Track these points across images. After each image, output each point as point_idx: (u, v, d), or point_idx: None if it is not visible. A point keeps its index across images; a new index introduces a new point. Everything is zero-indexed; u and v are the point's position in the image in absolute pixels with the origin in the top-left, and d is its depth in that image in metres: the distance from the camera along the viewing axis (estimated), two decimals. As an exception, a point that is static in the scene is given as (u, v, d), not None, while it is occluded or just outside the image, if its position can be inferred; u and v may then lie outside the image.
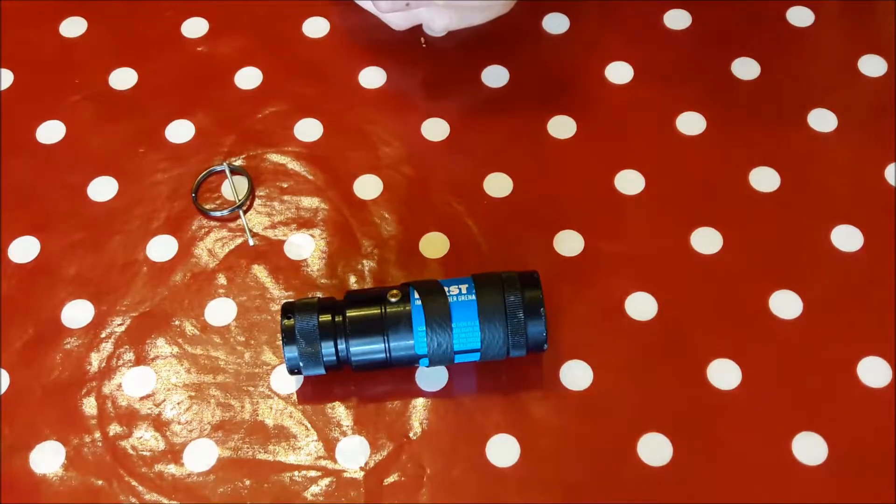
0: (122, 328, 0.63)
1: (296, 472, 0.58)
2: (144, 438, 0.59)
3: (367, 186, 0.68)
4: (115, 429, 0.60)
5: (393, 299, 0.58)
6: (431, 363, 0.58)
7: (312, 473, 0.58)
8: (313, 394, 0.60)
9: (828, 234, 0.65)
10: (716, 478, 0.57)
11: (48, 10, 0.76)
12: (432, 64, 0.73)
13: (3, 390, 0.61)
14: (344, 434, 0.59)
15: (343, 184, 0.68)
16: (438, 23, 0.69)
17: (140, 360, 0.62)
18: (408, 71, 0.73)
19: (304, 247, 0.66)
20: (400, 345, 0.57)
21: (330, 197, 0.67)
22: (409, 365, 0.59)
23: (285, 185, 0.68)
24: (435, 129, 0.70)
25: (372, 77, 0.72)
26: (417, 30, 0.74)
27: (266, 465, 0.58)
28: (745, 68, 0.72)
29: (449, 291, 0.57)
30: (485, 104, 0.71)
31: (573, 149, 0.69)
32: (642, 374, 0.61)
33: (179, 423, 0.60)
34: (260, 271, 0.65)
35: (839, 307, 0.62)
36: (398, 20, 0.70)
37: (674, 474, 0.57)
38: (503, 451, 0.58)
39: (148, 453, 0.59)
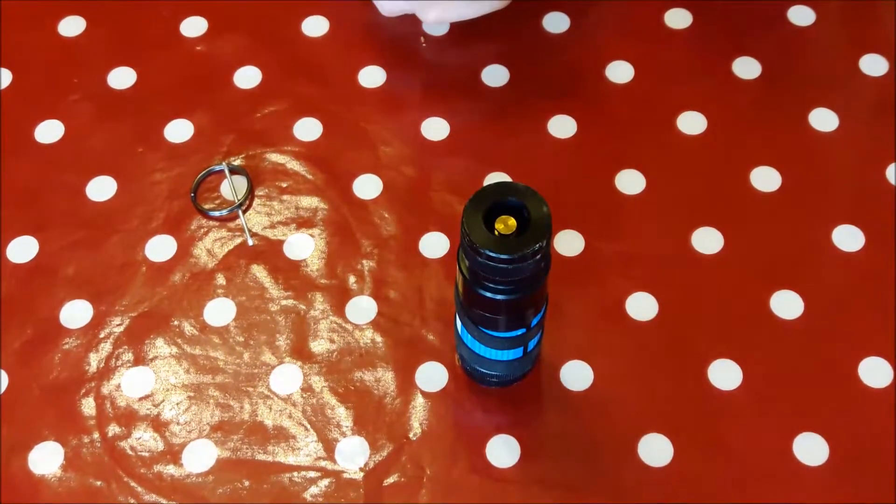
0: (121, 328, 0.63)
1: (295, 473, 0.58)
2: (143, 439, 0.59)
3: (367, 186, 0.68)
4: (113, 429, 0.59)
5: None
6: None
7: (312, 474, 0.58)
8: (313, 394, 0.60)
9: (829, 233, 0.65)
10: (716, 478, 0.57)
11: (47, 10, 0.76)
12: (432, 63, 0.73)
13: (2, 391, 0.61)
14: (343, 434, 0.59)
15: (343, 184, 0.68)
16: (430, 14, 0.69)
17: (139, 360, 0.62)
18: (407, 71, 0.73)
19: (304, 247, 0.65)
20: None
21: (329, 197, 0.67)
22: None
23: (285, 185, 0.68)
24: (435, 129, 0.70)
25: (371, 76, 0.72)
26: (417, 29, 0.73)
27: (265, 466, 0.58)
28: (746, 68, 0.72)
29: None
30: (485, 104, 0.71)
31: (573, 149, 0.69)
32: (642, 375, 0.60)
33: (178, 424, 0.60)
34: (259, 271, 0.65)
35: (840, 307, 0.62)
36: (389, 7, 0.70)
37: (674, 474, 0.57)
38: (503, 451, 0.58)
39: (147, 454, 0.59)
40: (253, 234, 0.66)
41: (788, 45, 0.73)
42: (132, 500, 0.57)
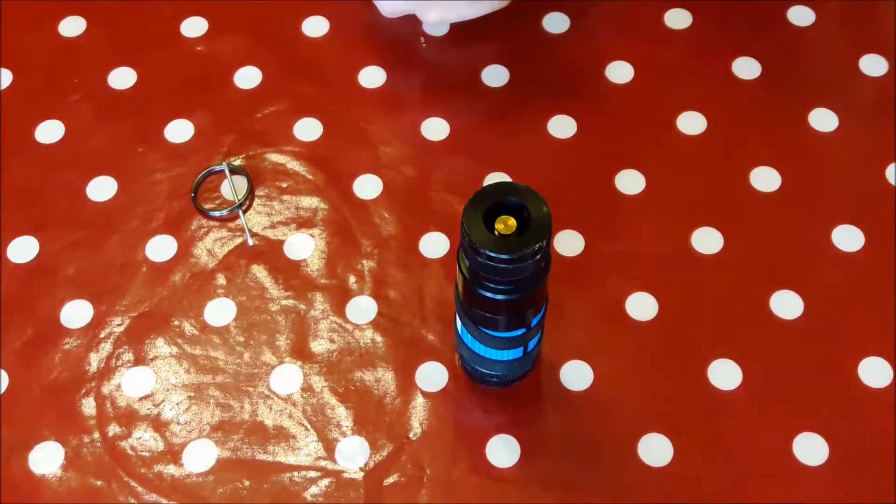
0: (122, 328, 0.63)
1: (295, 473, 0.58)
2: (143, 439, 0.59)
3: (367, 186, 0.68)
4: (114, 429, 0.60)
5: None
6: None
7: (312, 474, 0.58)
8: (313, 394, 0.60)
9: (829, 234, 0.65)
10: (716, 478, 0.57)
11: (47, 10, 0.76)
12: (432, 64, 0.73)
13: (2, 391, 0.61)
14: (343, 434, 0.59)
15: (343, 184, 0.68)
16: (431, 14, 0.69)
17: (139, 360, 0.62)
18: (407, 71, 0.73)
19: (304, 247, 0.65)
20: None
21: (330, 197, 0.67)
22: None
23: (285, 185, 0.68)
24: (435, 129, 0.70)
25: (372, 76, 0.72)
26: (417, 30, 0.73)
27: (265, 466, 0.58)
28: (746, 68, 0.72)
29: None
30: (485, 104, 0.71)
31: (573, 149, 0.69)
32: (642, 375, 0.60)
33: (178, 424, 0.60)
34: (259, 271, 0.65)
35: (840, 307, 0.62)
36: (390, 7, 0.70)
37: (674, 474, 0.57)
38: (503, 451, 0.58)
39: (147, 454, 0.59)
40: (253, 234, 0.66)
41: (788, 45, 0.73)
42: (132, 500, 0.57)
